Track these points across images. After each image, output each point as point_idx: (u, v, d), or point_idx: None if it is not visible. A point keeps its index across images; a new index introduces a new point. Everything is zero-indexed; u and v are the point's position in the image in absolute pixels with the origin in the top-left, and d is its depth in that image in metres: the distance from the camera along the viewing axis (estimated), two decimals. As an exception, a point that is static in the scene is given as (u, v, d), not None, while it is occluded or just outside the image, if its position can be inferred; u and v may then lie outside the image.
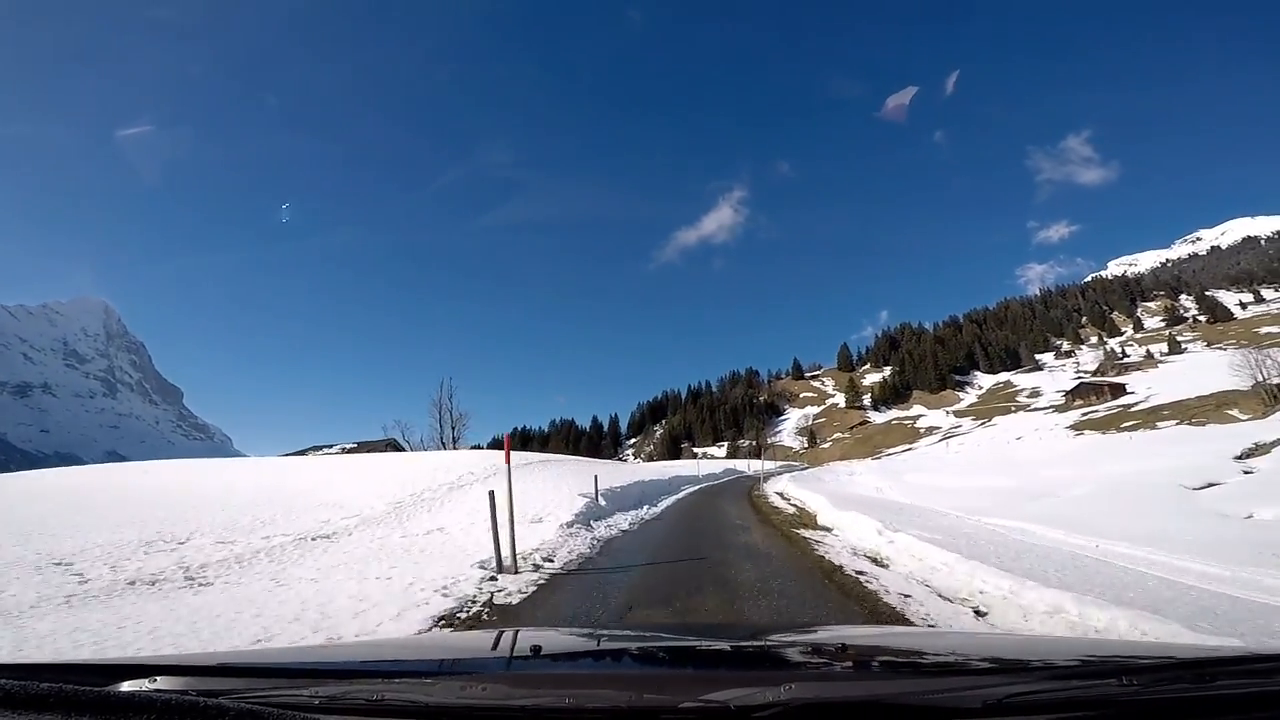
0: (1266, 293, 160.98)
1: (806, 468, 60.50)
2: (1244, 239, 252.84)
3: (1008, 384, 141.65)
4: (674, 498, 19.64)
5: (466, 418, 36.60)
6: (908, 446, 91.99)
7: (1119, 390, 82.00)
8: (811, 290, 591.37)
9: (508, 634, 3.40)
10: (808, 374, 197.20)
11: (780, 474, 44.25)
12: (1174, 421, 52.80)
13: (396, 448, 34.71)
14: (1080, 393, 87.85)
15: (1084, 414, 71.36)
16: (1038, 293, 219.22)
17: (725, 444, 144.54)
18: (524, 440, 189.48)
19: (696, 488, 26.03)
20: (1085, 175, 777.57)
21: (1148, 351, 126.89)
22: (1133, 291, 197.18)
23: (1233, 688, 1.02)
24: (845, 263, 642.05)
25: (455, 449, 33.56)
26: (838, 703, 1.01)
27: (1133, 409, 64.87)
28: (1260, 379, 53.00)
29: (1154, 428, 52.09)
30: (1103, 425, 59.98)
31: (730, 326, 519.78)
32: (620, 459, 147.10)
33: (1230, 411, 51.56)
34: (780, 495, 19.17)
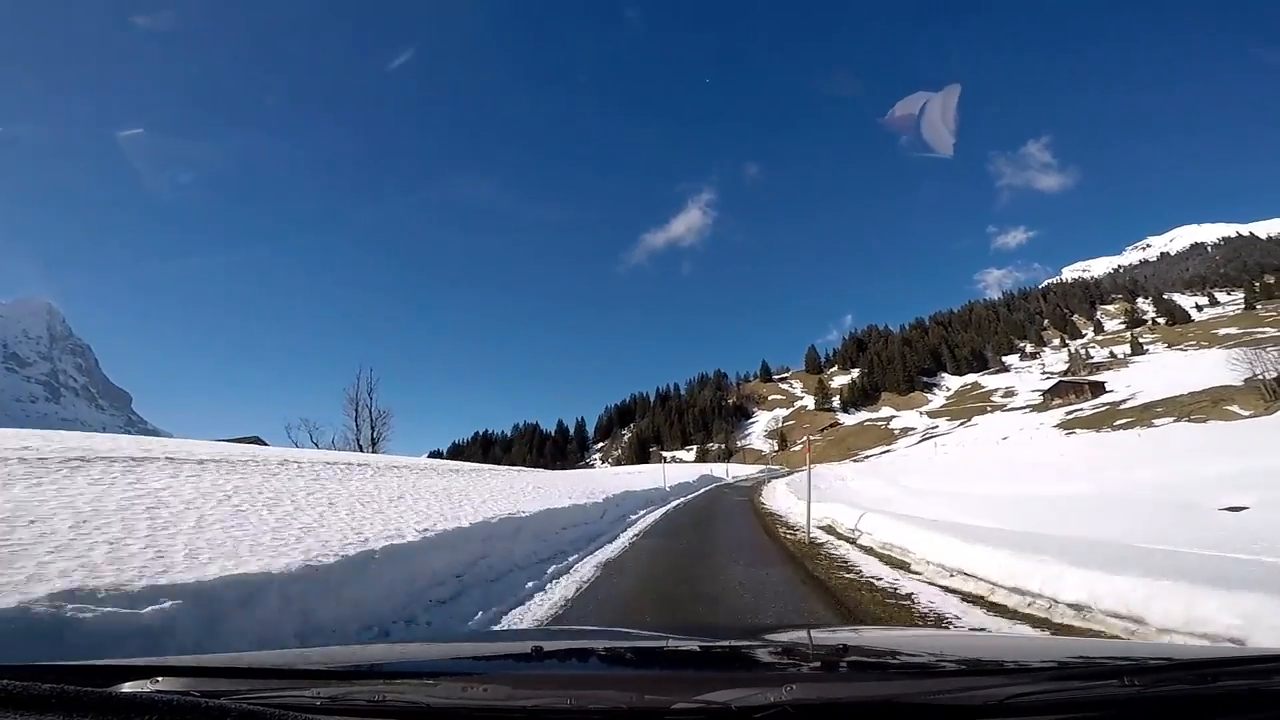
0: (1220, 295, 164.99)
1: (789, 472, 56.51)
2: (1192, 245, 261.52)
3: (975, 385, 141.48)
4: (597, 559, 7.76)
5: (389, 416, 31.28)
6: (885, 448, 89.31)
7: (1099, 388, 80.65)
8: (779, 293, 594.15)
9: (509, 635, 3.68)
10: (776, 376, 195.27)
11: (766, 479, 39.50)
12: (1171, 418, 50.64)
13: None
14: (1059, 391, 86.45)
15: (1068, 412, 69.39)
16: (999, 296, 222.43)
17: (694, 447, 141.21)
18: (485, 444, 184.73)
19: (661, 514, 14.80)
20: (1044, 181, 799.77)
21: (1111, 353, 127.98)
22: (1092, 295, 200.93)
23: (1233, 688, 1.02)
24: (811, 266, 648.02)
25: (375, 453, 28.31)
26: (838, 703, 1.01)
27: (1121, 406, 62.95)
28: (1259, 375, 51.10)
29: (1150, 425, 49.69)
30: (1093, 424, 57.64)
31: (699, 329, 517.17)
32: (587, 464, 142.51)
33: (1229, 408, 49.49)
34: (834, 532, 9.99)
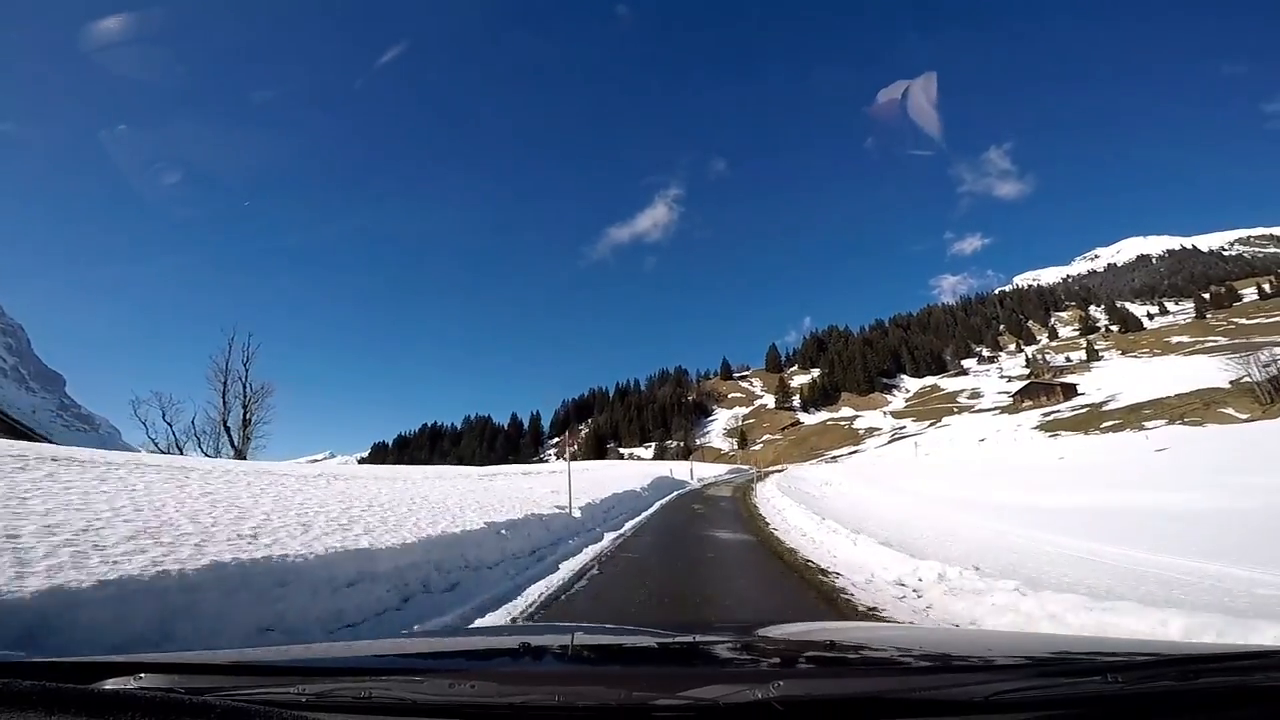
0: (1169, 305, 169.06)
1: (761, 472, 51.80)
2: (1138, 256, 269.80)
3: (935, 387, 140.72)
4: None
5: (268, 393, 24.53)
6: (854, 448, 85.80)
7: (1070, 390, 78.77)
8: (740, 291, 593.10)
9: (497, 631, 3.64)
10: (736, 374, 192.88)
11: (748, 483, 34.18)
12: (1162, 421, 47.77)
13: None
14: (1029, 393, 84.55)
15: (1045, 414, 66.75)
16: (954, 301, 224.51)
17: (652, 445, 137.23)
18: (434, 437, 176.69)
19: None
20: (1003, 188, 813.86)
21: (1067, 358, 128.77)
22: (1047, 302, 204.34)
23: (1215, 684, 1.03)
24: (773, 265, 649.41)
25: (246, 445, 22.02)
26: (825, 699, 1.02)
27: (1103, 409, 60.35)
28: (1247, 378, 48.86)
29: (1141, 428, 46.94)
30: (1077, 426, 54.71)
31: (660, 325, 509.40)
32: (541, 459, 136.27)
33: (1225, 410, 46.84)
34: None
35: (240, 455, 22.13)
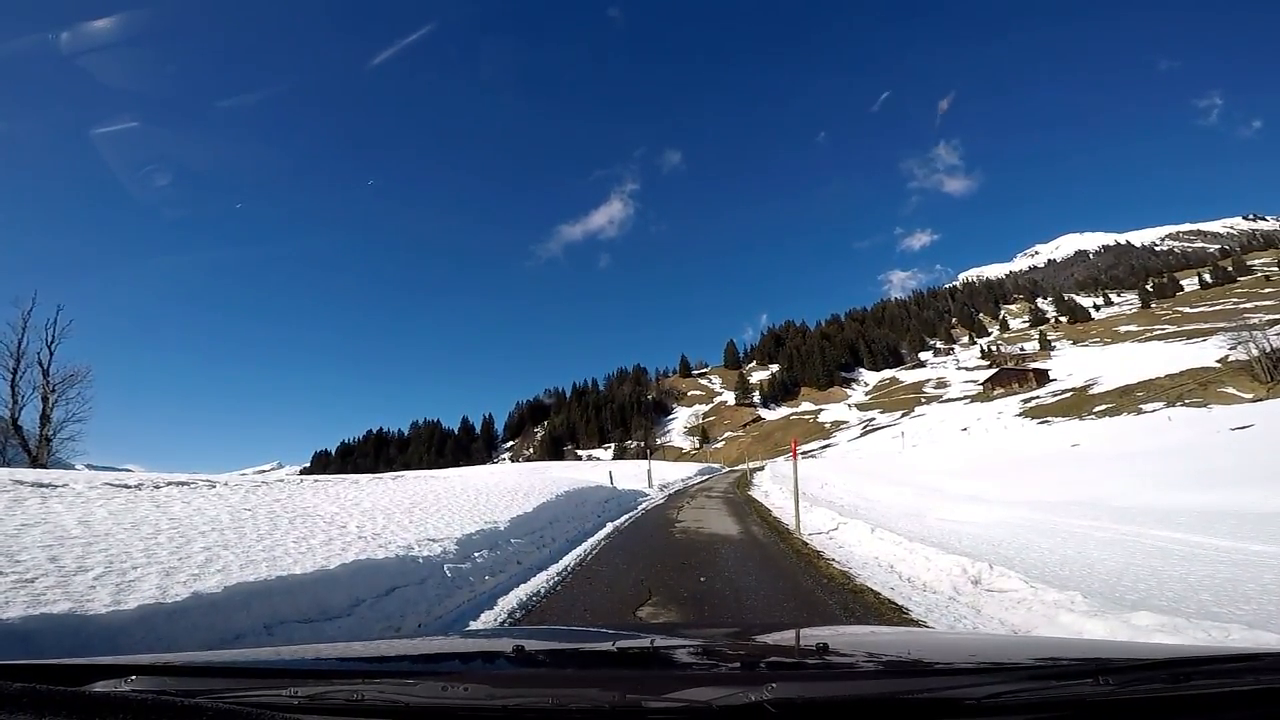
0: (1113, 296, 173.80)
1: (735, 471, 47.22)
2: (1075, 252, 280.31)
3: (894, 380, 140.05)
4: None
5: (79, 380, 18.47)
6: (824, 442, 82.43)
7: (1043, 377, 77.23)
8: (698, 287, 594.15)
9: (490, 634, 3.56)
10: (695, 372, 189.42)
11: (732, 487, 29.23)
12: (1160, 403, 45.46)
13: None
14: (1000, 380, 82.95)
15: (1024, 401, 64.42)
16: (907, 296, 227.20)
17: (611, 445, 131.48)
18: (380, 443, 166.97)
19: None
20: (951, 184, 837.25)
21: (1021, 348, 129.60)
22: (996, 295, 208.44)
23: (1206, 687, 1.03)
24: (730, 260, 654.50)
25: (46, 449, 15.96)
26: (819, 702, 1.01)
27: (1089, 393, 58.12)
28: (1232, 356, 47.03)
29: (1139, 411, 44.41)
30: (1065, 410, 52.11)
31: (618, 323, 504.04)
32: (494, 462, 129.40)
33: (1225, 389, 44.64)
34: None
35: (38, 463, 16.11)
